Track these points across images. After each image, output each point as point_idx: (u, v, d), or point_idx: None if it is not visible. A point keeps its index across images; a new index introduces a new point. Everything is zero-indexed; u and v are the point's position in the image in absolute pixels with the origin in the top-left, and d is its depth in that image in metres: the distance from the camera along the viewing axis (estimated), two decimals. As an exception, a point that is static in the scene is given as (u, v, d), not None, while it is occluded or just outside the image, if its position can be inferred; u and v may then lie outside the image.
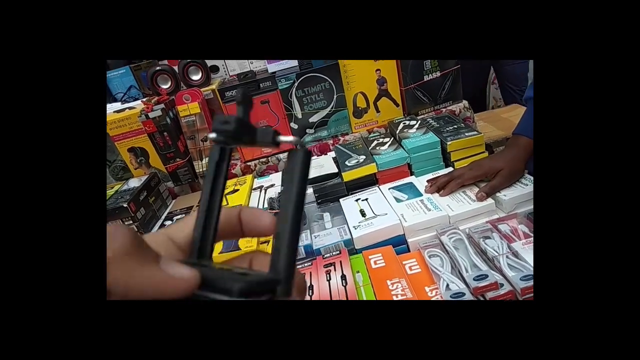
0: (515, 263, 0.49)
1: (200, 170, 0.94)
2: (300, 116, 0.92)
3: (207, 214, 0.17)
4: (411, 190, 0.72)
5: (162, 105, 0.86)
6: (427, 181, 0.72)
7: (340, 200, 0.75)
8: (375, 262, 0.58)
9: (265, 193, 0.83)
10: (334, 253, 0.61)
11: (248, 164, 0.95)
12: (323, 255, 0.61)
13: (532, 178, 0.65)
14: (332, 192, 0.78)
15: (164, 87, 0.94)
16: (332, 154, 0.90)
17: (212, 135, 0.17)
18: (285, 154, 0.95)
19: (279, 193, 0.86)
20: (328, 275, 0.55)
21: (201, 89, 0.93)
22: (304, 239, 0.66)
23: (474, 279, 0.48)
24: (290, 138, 0.16)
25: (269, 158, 0.95)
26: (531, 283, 0.45)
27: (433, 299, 0.50)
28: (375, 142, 0.86)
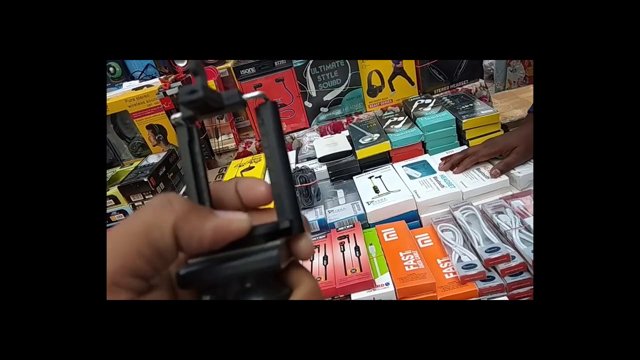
0: (528, 237, 0.50)
1: (217, 147, 0.96)
2: (314, 94, 0.93)
3: (198, 193, 0.17)
4: (425, 168, 0.73)
5: (179, 83, 0.88)
6: (441, 159, 0.72)
7: (354, 177, 0.76)
8: (388, 236, 0.59)
9: (279, 170, 0.85)
10: (347, 226, 0.62)
11: (263, 142, 0.97)
12: (337, 228, 0.63)
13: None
14: (346, 170, 0.79)
15: (180, 65, 0.95)
16: (346, 132, 0.90)
17: (179, 113, 0.17)
18: (300, 132, 0.96)
19: (308, 148, 0.86)
20: (342, 247, 0.57)
21: (217, 67, 0.94)
22: (318, 213, 0.68)
23: (485, 251, 0.49)
24: (255, 93, 0.17)
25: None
26: (543, 255, 0.46)
27: (444, 270, 0.51)
28: (390, 120, 0.86)
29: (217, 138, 0.95)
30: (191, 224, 0.15)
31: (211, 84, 0.90)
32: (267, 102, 0.17)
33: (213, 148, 0.96)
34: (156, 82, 0.96)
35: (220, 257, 0.16)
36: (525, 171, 0.63)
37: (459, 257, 0.51)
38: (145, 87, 0.94)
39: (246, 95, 0.17)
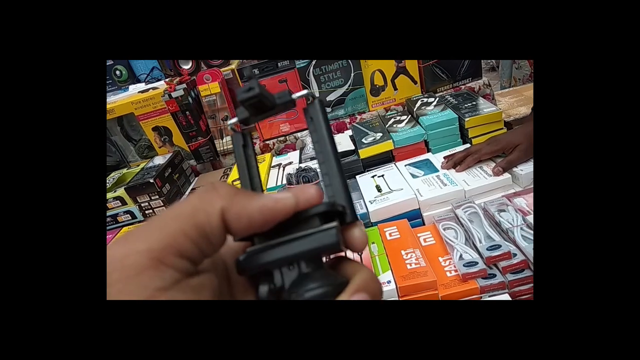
0: (530, 234, 0.50)
1: (222, 148, 0.97)
2: (317, 94, 0.93)
3: (251, 183, 0.19)
4: (427, 167, 0.73)
5: (184, 85, 0.89)
6: (444, 157, 0.72)
7: (357, 176, 0.77)
8: (390, 234, 0.59)
9: (283, 170, 0.86)
10: (350, 225, 0.63)
11: (267, 142, 0.97)
12: (340, 228, 0.63)
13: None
14: (349, 169, 0.80)
15: (185, 67, 0.96)
16: (349, 132, 0.91)
17: (234, 118, 0.18)
18: (303, 132, 0.97)
19: (311, 148, 0.87)
20: (344, 246, 0.57)
21: (221, 69, 0.95)
22: (321, 212, 0.69)
23: (487, 249, 0.49)
24: (303, 92, 0.18)
25: (287, 137, 0.97)
26: (544, 253, 0.46)
27: (446, 268, 0.51)
28: (392, 119, 0.86)
29: (222, 139, 0.96)
30: (238, 205, 0.15)
31: (215, 85, 0.91)
32: (315, 99, 0.18)
33: (218, 149, 0.97)
34: (162, 84, 0.97)
35: (277, 241, 0.16)
36: (527, 169, 0.62)
37: (461, 255, 0.51)
38: (151, 90, 0.96)
39: (295, 95, 0.18)
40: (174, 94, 0.88)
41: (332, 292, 0.15)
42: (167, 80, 0.94)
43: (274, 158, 0.93)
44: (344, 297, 0.15)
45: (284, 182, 0.81)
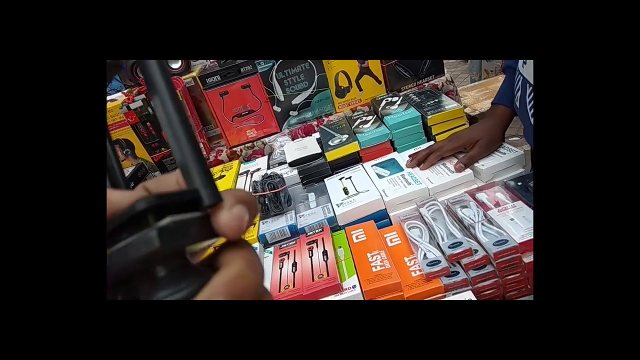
0: (490, 229, 0.50)
1: (187, 158, 0.94)
2: (282, 99, 0.92)
3: (112, 179, 0.16)
4: (393, 166, 0.73)
5: (143, 96, 0.86)
6: (409, 156, 0.72)
7: (325, 180, 0.76)
8: (356, 237, 0.59)
9: (251, 177, 0.84)
10: (317, 231, 0.62)
11: (234, 149, 0.95)
12: (307, 234, 0.62)
13: (509, 147, 0.66)
14: (317, 173, 0.79)
15: (142, 76, 0.93)
16: (317, 135, 0.90)
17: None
18: (271, 137, 0.95)
19: (279, 153, 0.83)
20: (310, 252, 0.57)
21: (182, 77, 0.93)
22: (289, 219, 0.68)
23: (449, 247, 0.49)
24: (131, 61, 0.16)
25: (255, 142, 0.95)
26: (503, 248, 0.46)
27: (411, 269, 0.51)
28: (359, 120, 0.86)
29: (187, 149, 0.93)
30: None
31: (176, 94, 0.89)
32: (146, 61, 0.15)
33: (183, 159, 0.94)
34: (119, 96, 0.94)
35: (113, 249, 0.13)
36: (488, 163, 0.63)
37: (425, 254, 0.51)
38: (108, 102, 0.92)
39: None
40: (132, 105, 0.85)
41: (187, 297, 0.13)
42: (125, 91, 0.90)
43: (242, 165, 0.92)
44: (198, 297, 0.13)
45: (251, 190, 0.79)
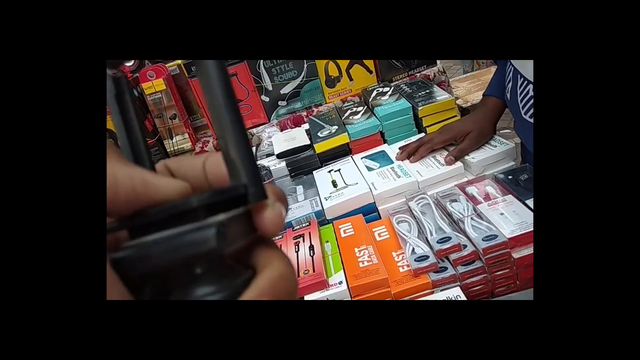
0: (479, 224, 0.49)
1: (172, 149, 0.91)
2: (270, 88, 0.89)
3: (134, 152, 0.15)
4: (383, 158, 0.72)
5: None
6: (399, 148, 0.71)
7: (314, 172, 0.75)
8: (344, 231, 0.58)
9: (238, 169, 0.82)
10: (304, 225, 0.60)
11: (221, 140, 0.93)
12: (293, 228, 0.61)
13: (501, 139, 0.65)
14: (305, 165, 0.77)
15: (127, 64, 0.90)
16: (307, 125, 0.88)
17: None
18: (259, 127, 0.93)
19: (267, 144, 0.81)
20: (297, 247, 0.55)
21: (166, 65, 0.89)
22: (275, 212, 0.66)
23: (437, 242, 0.48)
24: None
25: (242, 133, 0.93)
26: (492, 243, 0.45)
27: (399, 264, 0.50)
28: (349, 111, 0.84)
29: (172, 139, 0.90)
30: (122, 181, 0.13)
31: (160, 82, 0.86)
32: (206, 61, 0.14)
33: (168, 150, 0.91)
34: (101, 83, 0.91)
35: (159, 237, 0.13)
36: (479, 156, 0.62)
37: (413, 249, 0.50)
38: (89, 90, 0.89)
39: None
40: (113, 94, 0.81)
41: (230, 296, 0.13)
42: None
43: (229, 156, 0.89)
44: (244, 297, 0.13)
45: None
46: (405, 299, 0.47)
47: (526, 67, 0.52)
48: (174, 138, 0.90)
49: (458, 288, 0.46)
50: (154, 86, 0.85)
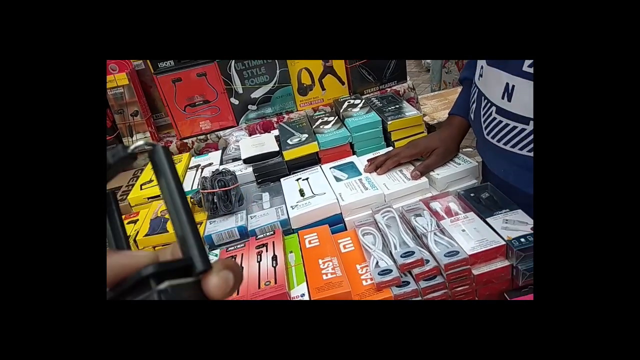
0: (442, 240, 0.50)
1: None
2: (241, 91, 0.87)
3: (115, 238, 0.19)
4: (352, 170, 0.72)
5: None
6: (367, 160, 0.71)
7: (281, 179, 0.73)
8: (309, 242, 0.57)
9: (201, 172, 0.79)
10: (268, 234, 0.59)
11: (185, 141, 0.89)
12: (257, 236, 0.59)
13: (464, 157, 0.67)
14: (273, 172, 0.76)
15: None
16: (276, 132, 0.86)
17: None
18: (226, 130, 0.90)
19: (234, 148, 0.82)
20: (259, 257, 0.53)
21: (131, 59, 0.85)
22: (239, 219, 0.64)
23: (401, 256, 0.48)
24: (140, 142, 0.18)
25: (208, 135, 0.90)
26: (454, 259, 0.46)
27: (362, 277, 0.50)
28: (320, 120, 0.84)
29: (132, 137, 0.85)
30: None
31: (122, 77, 0.81)
32: (155, 147, 0.17)
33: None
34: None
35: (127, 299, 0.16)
36: (443, 173, 0.64)
37: (377, 262, 0.50)
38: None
39: (132, 147, 0.17)
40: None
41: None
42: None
43: (192, 158, 0.86)
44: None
45: (198, 187, 0.74)
46: (367, 313, 0.46)
47: (489, 90, 0.54)
48: (134, 136, 0.85)
49: (419, 303, 0.46)
50: (116, 80, 0.80)
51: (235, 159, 0.81)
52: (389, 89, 0.95)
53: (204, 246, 0.18)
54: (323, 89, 0.92)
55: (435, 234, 0.51)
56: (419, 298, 0.47)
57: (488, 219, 0.51)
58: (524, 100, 0.47)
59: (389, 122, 0.75)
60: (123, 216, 0.69)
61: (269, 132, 0.89)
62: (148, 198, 0.72)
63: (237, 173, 0.72)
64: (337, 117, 0.84)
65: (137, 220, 0.66)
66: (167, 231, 0.61)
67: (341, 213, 0.63)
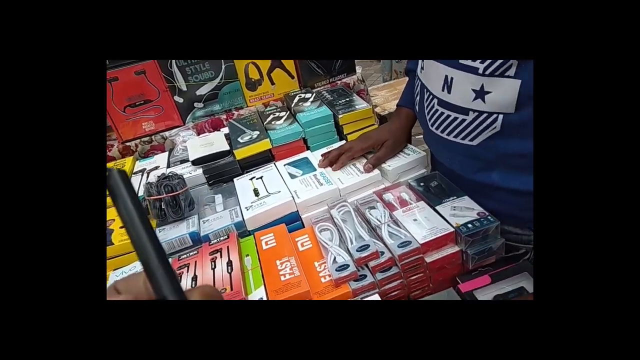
0: (396, 231, 0.52)
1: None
2: (185, 88, 0.83)
3: None
4: (306, 165, 0.71)
5: None
6: (321, 155, 0.71)
7: (235, 180, 0.71)
8: (266, 243, 0.55)
9: (147, 177, 0.74)
10: (222, 238, 0.57)
11: (127, 144, 0.83)
12: (210, 242, 0.57)
13: (413, 148, 0.69)
14: (225, 172, 0.73)
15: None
16: (226, 129, 0.83)
17: None
18: (172, 131, 0.85)
19: (181, 149, 0.78)
20: (213, 263, 0.51)
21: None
22: (190, 225, 0.61)
23: (357, 250, 0.49)
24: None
25: (153, 137, 0.84)
26: (407, 249, 0.47)
27: (321, 274, 0.50)
28: (272, 116, 0.82)
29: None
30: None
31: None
32: (111, 172, 0.17)
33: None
34: None
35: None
36: (394, 164, 0.65)
37: (334, 258, 0.50)
38: None
39: None
40: None
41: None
42: None
43: (137, 162, 0.80)
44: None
45: (142, 194, 0.69)
46: (327, 309, 0.47)
47: (431, 82, 0.56)
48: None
49: (377, 295, 0.47)
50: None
51: (183, 161, 0.77)
52: (339, 82, 0.95)
53: (176, 277, 0.17)
54: (272, 83, 0.89)
55: (388, 225, 0.53)
56: (377, 290, 0.48)
57: (437, 207, 0.53)
58: (462, 91, 0.49)
59: (340, 116, 0.75)
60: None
61: (219, 130, 0.86)
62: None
63: (185, 176, 0.68)
64: (288, 112, 0.82)
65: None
66: (113, 243, 0.56)
67: (297, 211, 0.62)
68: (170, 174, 0.64)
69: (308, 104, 0.81)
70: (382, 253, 0.49)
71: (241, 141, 0.74)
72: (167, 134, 0.85)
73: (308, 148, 0.77)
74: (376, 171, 0.64)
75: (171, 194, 0.60)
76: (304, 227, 0.62)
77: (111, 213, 0.59)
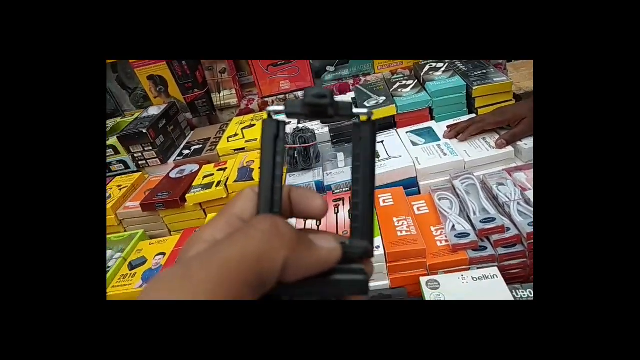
0: (526, 210, 0.49)
1: (218, 102, 0.93)
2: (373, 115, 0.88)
3: (272, 198, 0.17)
4: (429, 135, 0.71)
5: (181, 32, 0.84)
6: (447, 126, 0.69)
7: (356, 141, 0.75)
8: (384, 201, 0.58)
9: (281, 129, 0.83)
10: (343, 190, 0.62)
11: (266, 99, 0.94)
12: (333, 191, 0.62)
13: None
14: (348, 133, 0.77)
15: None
16: (352, 94, 0.87)
17: (280, 106, 0.17)
18: (301, 92, 0.93)
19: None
20: (336, 209, 0.57)
21: (220, 17, 0.90)
22: (316, 175, 0.67)
23: (480, 221, 0.48)
24: (364, 110, 0.17)
25: (287, 95, 0.93)
26: (538, 229, 0.45)
27: (437, 238, 0.51)
28: (398, 84, 0.83)
29: (219, 93, 0.92)
30: (300, 258, 0.15)
31: (214, 34, 0.86)
32: (369, 120, 0.17)
33: (215, 103, 0.93)
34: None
35: (313, 282, 0.16)
36: (532, 143, 0.60)
37: (453, 225, 0.51)
38: (146, 35, 0.91)
39: (356, 110, 0.17)
40: (169, 41, 0.83)
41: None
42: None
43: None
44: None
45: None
46: (439, 272, 0.48)
47: None
48: (222, 92, 0.92)
49: (496, 268, 0.46)
50: (208, 38, 0.86)
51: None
52: (475, 53, 0.89)
53: (373, 231, 0.18)
54: (403, 51, 0.89)
55: (518, 203, 0.50)
56: (495, 264, 0.47)
57: (582, 193, 0.48)
58: None
59: (474, 88, 0.71)
60: (212, 164, 0.77)
61: (345, 94, 0.90)
62: (234, 149, 0.79)
63: (315, 131, 0.75)
64: (416, 80, 0.82)
65: (226, 168, 0.73)
66: (253, 179, 0.67)
67: (416, 177, 0.63)
68: (303, 128, 0.71)
69: (439, 73, 0.79)
70: (508, 229, 0.47)
71: (367, 105, 0.77)
72: (299, 93, 0.93)
73: (433, 118, 0.76)
74: (509, 148, 0.60)
75: (304, 145, 0.68)
76: (420, 193, 0.63)
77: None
